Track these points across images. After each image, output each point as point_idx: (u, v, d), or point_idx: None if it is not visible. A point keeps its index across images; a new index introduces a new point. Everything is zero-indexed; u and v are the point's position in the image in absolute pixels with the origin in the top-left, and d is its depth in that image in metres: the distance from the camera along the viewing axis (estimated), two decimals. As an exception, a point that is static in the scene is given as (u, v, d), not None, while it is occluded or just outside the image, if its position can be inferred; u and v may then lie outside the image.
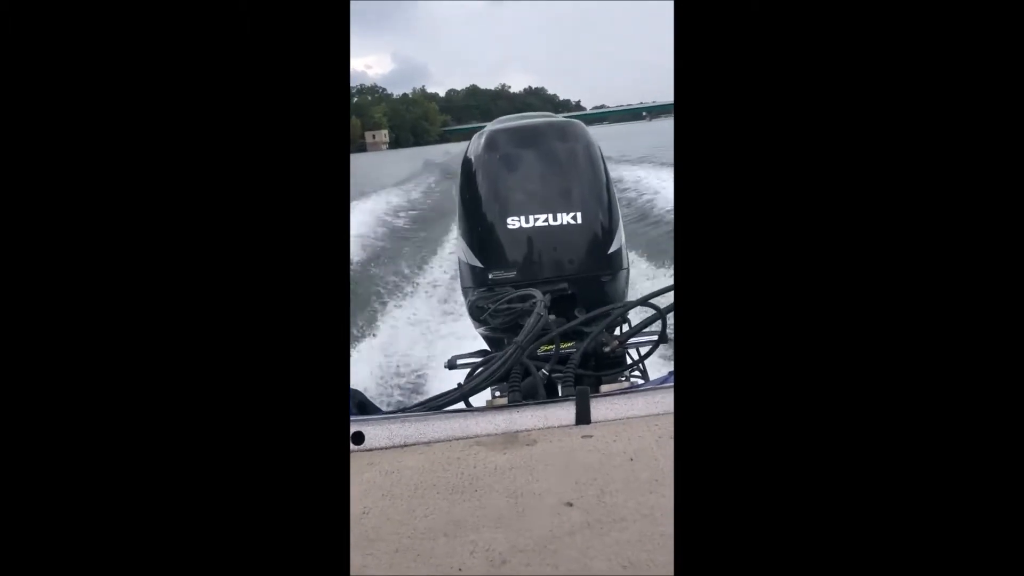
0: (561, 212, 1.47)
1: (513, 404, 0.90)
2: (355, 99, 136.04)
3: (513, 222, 1.47)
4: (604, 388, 1.05)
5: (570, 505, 0.61)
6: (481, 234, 1.51)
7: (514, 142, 1.56)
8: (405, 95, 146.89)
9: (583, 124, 1.64)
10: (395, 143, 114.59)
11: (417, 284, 6.36)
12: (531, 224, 1.47)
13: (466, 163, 1.60)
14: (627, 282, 1.59)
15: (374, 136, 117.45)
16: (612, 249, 1.51)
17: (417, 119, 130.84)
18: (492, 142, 1.58)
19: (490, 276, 1.49)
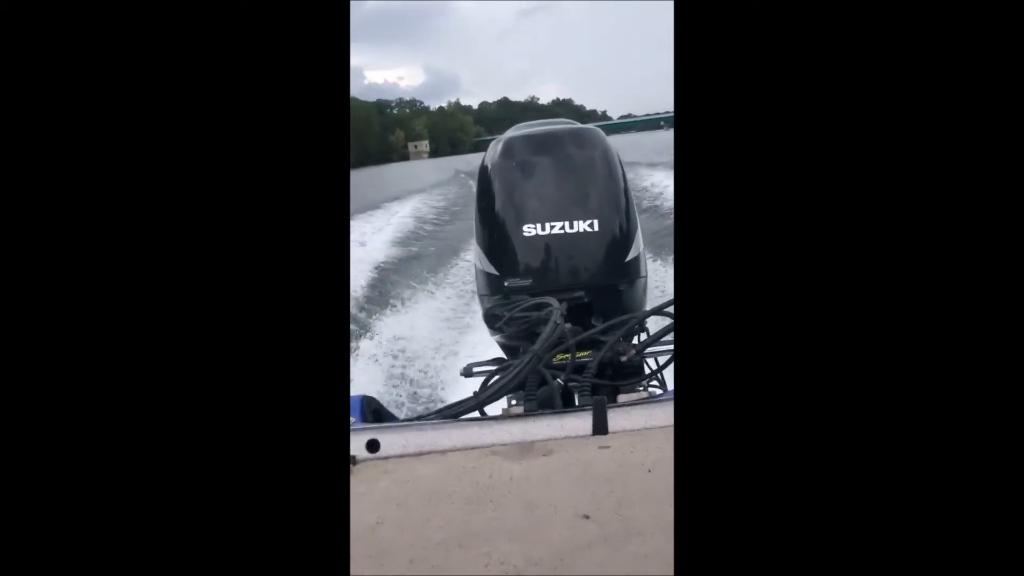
0: (578, 219, 1.46)
1: (529, 413, 0.89)
2: (395, 111, 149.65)
3: (529, 229, 1.46)
4: (621, 398, 1.04)
5: (587, 517, 0.60)
6: (497, 241, 1.50)
7: (531, 149, 1.56)
8: (441, 108, 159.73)
9: (601, 131, 1.63)
10: (434, 152, 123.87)
11: (435, 290, 6.37)
12: (547, 231, 1.46)
13: (483, 170, 1.60)
14: (645, 290, 1.58)
15: (416, 146, 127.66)
16: (630, 257, 1.49)
17: (454, 130, 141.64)
18: (509, 149, 1.57)
19: (506, 284, 1.48)
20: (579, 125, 1.70)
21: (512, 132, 1.69)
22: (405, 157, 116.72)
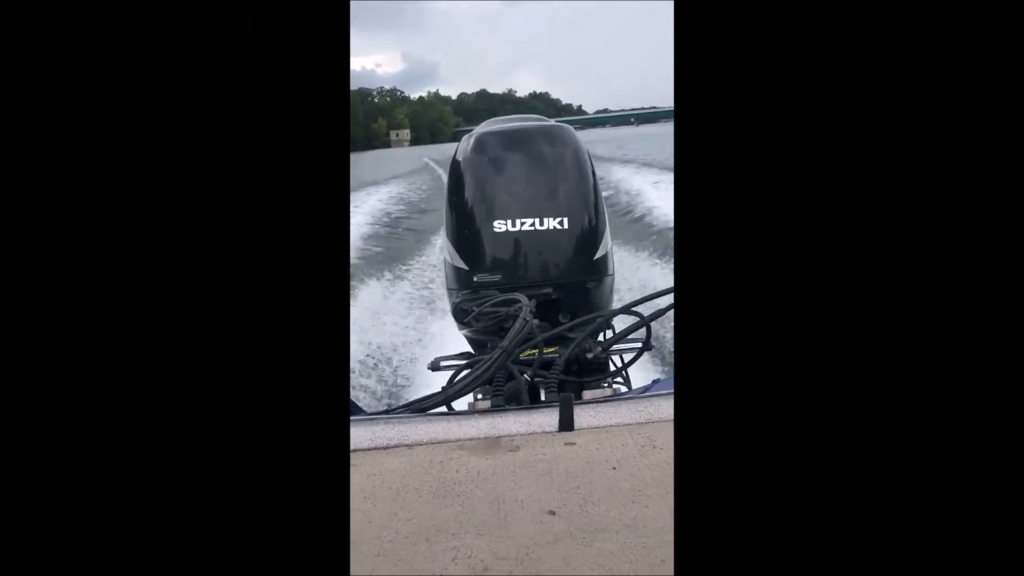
0: (548, 217, 1.47)
1: (496, 408, 0.90)
2: (376, 100, 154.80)
3: (500, 225, 1.47)
4: (587, 395, 1.05)
5: (552, 514, 0.61)
6: (467, 236, 1.51)
7: (502, 145, 1.56)
8: (422, 98, 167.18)
9: (572, 128, 1.64)
10: (415, 141, 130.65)
11: (403, 282, 6.33)
12: (517, 228, 1.47)
13: (454, 165, 1.60)
14: (612, 288, 1.60)
15: (397, 134, 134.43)
16: (598, 255, 1.51)
17: (434, 120, 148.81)
18: (480, 144, 1.57)
19: (475, 279, 1.48)
20: (550, 122, 1.71)
21: (484, 127, 1.69)
22: (387, 145, 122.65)
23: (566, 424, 0.80)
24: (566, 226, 1.47)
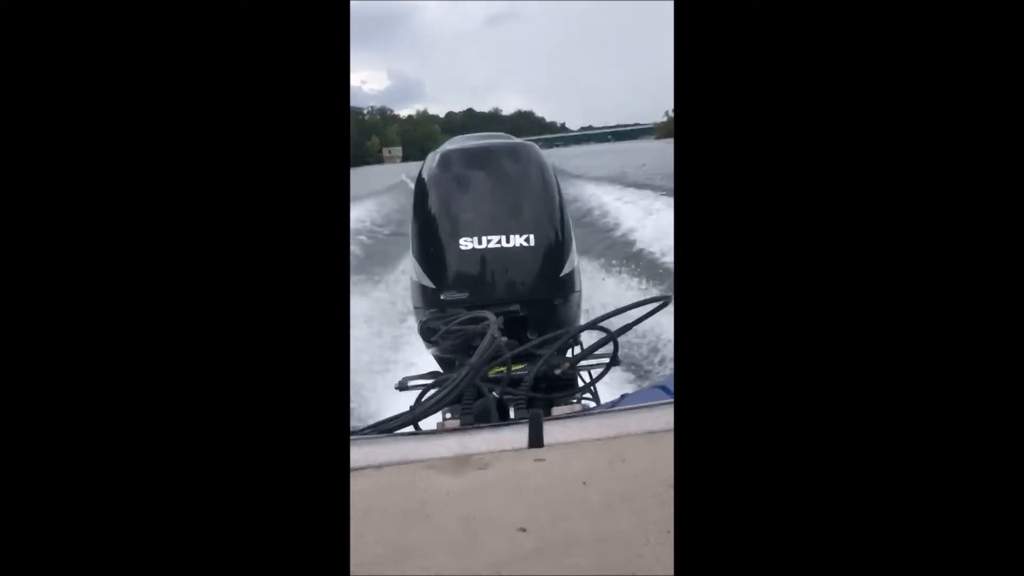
0: (514, 234, 1.47)
1: (465, 427, 0.90)
2: (366, 118, 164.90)
3: (466, 243, 1.47)
4: (556, 411, 1.05)
5: (523, 530, 0.61)
6: (434, 254, 1.50)
7: (467, 163, 1.57)
8: (411, 117, 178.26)
9: (536, 146, 1.66)
10: (406, 158, 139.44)
11: (369, 300, 6.29)
12: (484, 245, 1.47)
13: (420, 182, 1.60)
14: (579, 305, 1.60)
15: (390, 151, 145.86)
16: (564, 272, 1.52)
17: (424, 138, 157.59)
18: (446, 161, 1.58)
19: (442, 297, 1.48)
20: (515, 140, 1.72)
21: (449, 145, 1.69)
22: (380, 161, 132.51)
23: (535, 440, 0.80)
24: (532, 243, 1.48)
